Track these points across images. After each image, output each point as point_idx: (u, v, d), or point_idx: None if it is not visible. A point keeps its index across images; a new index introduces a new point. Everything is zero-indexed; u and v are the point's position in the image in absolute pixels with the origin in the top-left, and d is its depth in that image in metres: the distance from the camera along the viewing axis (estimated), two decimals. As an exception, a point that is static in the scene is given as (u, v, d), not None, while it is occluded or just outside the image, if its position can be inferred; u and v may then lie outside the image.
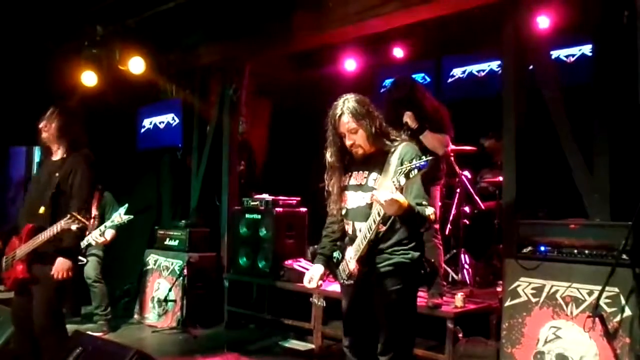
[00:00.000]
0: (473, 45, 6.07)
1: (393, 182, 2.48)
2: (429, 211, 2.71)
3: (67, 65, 6.52)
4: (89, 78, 6.42)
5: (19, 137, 8.65)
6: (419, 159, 2.43)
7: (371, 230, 2.67)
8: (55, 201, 3.53)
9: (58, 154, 3.73)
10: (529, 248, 3.94)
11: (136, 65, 6.21)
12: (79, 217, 3.35)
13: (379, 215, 2.62)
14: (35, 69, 6.85)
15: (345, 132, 2.83)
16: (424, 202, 2.72)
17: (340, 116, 2.81)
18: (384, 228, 2.76)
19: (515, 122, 4.19)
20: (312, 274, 2.99)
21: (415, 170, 2.41)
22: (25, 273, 3.56)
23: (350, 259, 2.79)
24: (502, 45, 4.37)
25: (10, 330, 4.06)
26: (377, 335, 2.84)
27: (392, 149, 2.81)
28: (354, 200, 2.87)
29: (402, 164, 2.60)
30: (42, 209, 3.54)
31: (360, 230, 2.78)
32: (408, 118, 4.21)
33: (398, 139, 2.88)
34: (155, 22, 6.11)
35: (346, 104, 2.82)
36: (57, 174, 3.59)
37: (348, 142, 2.84)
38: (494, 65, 6.06)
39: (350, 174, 2.93)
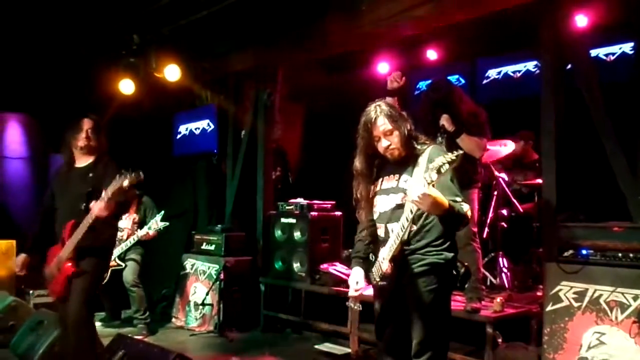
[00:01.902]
0: (508, 46, 5.99)
1: (425, 177, 2.48)
2: (465, 208, 2.70)
3: (106, 74, 6.68)
4: (126, 86, 6.56)
5: (60, 144, 8.90)
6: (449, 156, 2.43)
7: (404, 228, 2.67)
8: (90, 198, 3.67)
9: (85, 160, 3.93)
10: (570, 251, 3.87)
11: (172, 72, 6.32)
12: (127, 172, 3.46)
13: (411, 212, 2.62)
14: (76, 79, 7.03)
15: (380, 135, 2.86)
16: (457, 199, 2.71)
17: (375, 119, 2.84)
18: (414, 228, 2.77)
19: (554, 123, 4.11)
20: (356, 278, 2.96)
21: (447, 165, 2.41)
22: (74, 267, 3.69)
23: (383, 259, 2.80)
24: (540, 45, 4.29)
25: (55, 334, 4.17)
26: (410, 337, 2.82)
27: (421, 152, 2.84)
28: (385, 203, 2.89)
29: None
30: (82, 205, 3.69)
31: (392, 231, 2.79)
32: (445, 121, 4.19)
33: (427, 142, 2.91)
34: (189, 30, 6.21)
35: (379, 107, 2.87)
36: (90, 174, 3.81)
37: (384, 144, 2.86)
38: (530, 65, 5.97)
39: (381, 179, 2.95)
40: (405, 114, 2.91)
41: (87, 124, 3.96)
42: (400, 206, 2.76)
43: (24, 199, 9.03)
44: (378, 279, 2.87)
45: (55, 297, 3.87)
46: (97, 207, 3.50)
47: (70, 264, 3.69)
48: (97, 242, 3.73)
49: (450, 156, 2.42)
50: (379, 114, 2.84)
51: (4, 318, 4.86)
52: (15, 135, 9.17)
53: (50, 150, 9.30)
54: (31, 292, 6.34)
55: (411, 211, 2.62)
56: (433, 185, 2.49)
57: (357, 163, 2.96)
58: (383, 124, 2.83)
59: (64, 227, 3.77)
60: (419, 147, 2.87)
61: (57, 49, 6.82)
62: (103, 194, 3.49)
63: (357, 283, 2.93)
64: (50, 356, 4.20)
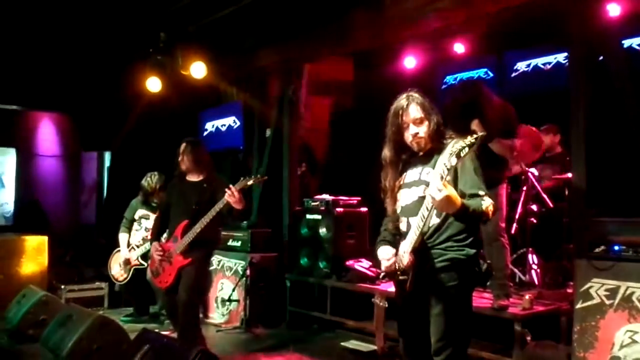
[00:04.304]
0: (537, 38, 5.85)
1: (444, 164, 2.43)
2: (486, 203, 2.61)
3: (135, 72, 6.76)
4: (153, 84, 6.63)
5: (90, 142, 9.08)
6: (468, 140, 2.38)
7: (424, 218, 2.61)
8: (199, 207, 4.29)
9: (195, 177, 4.52)
10: (602, 247, 3.76)
11: (198, 70, 6.36)
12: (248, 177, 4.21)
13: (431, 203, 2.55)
14: (107, 78, 7.14)
15: (409, 122, 2.82)
16: (479, 193, 2.64)
17: (407, 106, 2.82)
18: (437, 221, 2.71)
19: (584, 116, 3.99)
20: (387, 252, 2.85)
21: (466, 149, 2.37)
22: (185, 259, 4.27)
23: (404, 252, 2.74)
24: (570, 36, 4.18)
25: (82, 328, 4.23)
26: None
27: (445, 146, 2.77)
28: (407, 196, 2.85)
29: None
30: (194, 207, 4.30)
31: (413, 225, 2.73)
32: (476, 126, 4.12)
33: (453, 137, 2.84)
34: (214, 28, 6.24)
35: (412, 96, 2.85)
36: (204, 185, 4.43)
37: (412, 132, 2.82)
38: (561, 57, 5.82)
39: (405, 174, 2.91)
40: (436, 109, 2.87)
41: (182, 148, 4.51)
42: (423, 199, 2.69)
43: (56, 196, 9.25)
44: (399, 273, 2.81)
45: (164, 287, 4.39)
46: (233, 200, 4.05)
47: (181, 257, 4.26)
48: (208, 236, 4.28)
49: (470, 139, 2.37)
50: (411, 101, 2.83)
51: (35, 312, 4.95)
52: (48, 134, 9.40)
53: (82, 148, 9.51)
54: (63, 287, 6.49)
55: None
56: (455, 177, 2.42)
57: (386, 151, 2.92)
58: (414, 111, 2.81)
59: (176, 225, 4.35)
60: (444, 142, 2.82)
61: (88, 49, 6.95)
62: (231, 189, 4.06)
63: (388, 254, 2.82)
64: (79, 350, 4.26)
